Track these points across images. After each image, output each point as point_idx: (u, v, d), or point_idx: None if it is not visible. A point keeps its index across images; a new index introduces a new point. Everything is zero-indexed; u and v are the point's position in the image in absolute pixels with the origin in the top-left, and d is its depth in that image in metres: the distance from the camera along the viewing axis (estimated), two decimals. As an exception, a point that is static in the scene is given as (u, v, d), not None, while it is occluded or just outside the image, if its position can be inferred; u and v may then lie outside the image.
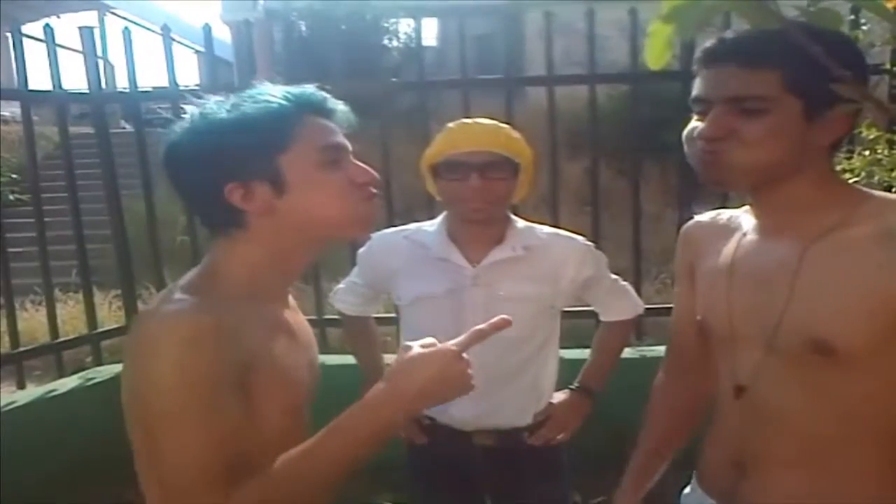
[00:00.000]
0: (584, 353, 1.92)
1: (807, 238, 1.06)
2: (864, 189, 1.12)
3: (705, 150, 1.05)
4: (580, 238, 1.75)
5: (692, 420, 1.45)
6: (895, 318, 0.97)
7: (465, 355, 0.99)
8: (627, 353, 2.49)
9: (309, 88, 1.06)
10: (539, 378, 1.73)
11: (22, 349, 2.92)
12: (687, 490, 1.36)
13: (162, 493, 0.93)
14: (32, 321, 5.01)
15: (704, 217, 1.35)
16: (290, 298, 1.18)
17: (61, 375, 2.99)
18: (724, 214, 1.31)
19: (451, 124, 1.66)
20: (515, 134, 1.65)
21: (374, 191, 1.07)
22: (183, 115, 1.05)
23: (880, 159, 2.18)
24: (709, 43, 1.07)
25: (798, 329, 1.05)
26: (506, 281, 1.64)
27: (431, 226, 1.75)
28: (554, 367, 1.78)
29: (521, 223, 1.72)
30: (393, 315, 2.05)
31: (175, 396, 0.90)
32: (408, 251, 1.73)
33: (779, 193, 1.08)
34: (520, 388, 1.70)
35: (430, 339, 1.01)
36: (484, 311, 1.60)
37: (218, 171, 0.99)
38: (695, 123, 1.10)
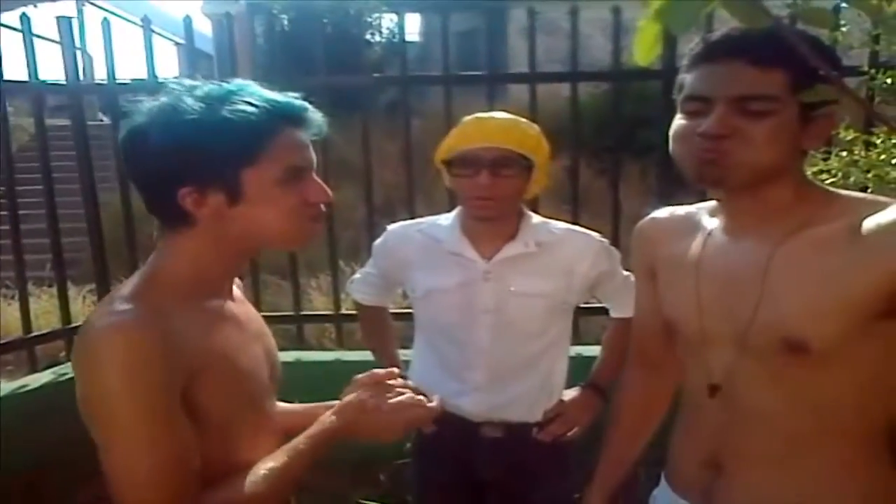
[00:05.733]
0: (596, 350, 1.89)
1: (777, 237, 1.05)
2: (833, 189, 1.12)
3: (707, 149, 1.02)
4: (595, 234, 1.73)
5: (657, 416, 1.46)
6: (866, 314, 0.97)
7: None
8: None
9: (293, 98, 1.03)
10: (550, 375, 1.72)
11: (-6, 343, 2.88)
12: (656, 491, 1.36)
13: None
14: (5, 315, 4.92)
15: (660, 214, 1.33)
16: (236, 290, 1.16)
17: (34, 370, 2.94)
18: (680, 211, 1.29)
19: (466, 118, 1.63)
20: (532, 130, 1.61)
21: (324, 209, 1.08)
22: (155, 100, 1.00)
23: (857, 160, 2.19)
24: (713, 37, 1.04)
25: (770, 328, 1.05)
26: (517, 276, 1.63)
27: (446, 220, 1.74)
28: (565, 364, 1.77)
29: (535, 218, 1.71)
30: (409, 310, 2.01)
31: (124, 415, 0.89)
32: (421, 244, 1.73)
33: (759, 195, 1.07)
34: (531, 384, 1.69)
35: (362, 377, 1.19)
36: (495, 306, 1.63)
37: (176, 171, 0.97)
38: (682, 121, 1.08)
